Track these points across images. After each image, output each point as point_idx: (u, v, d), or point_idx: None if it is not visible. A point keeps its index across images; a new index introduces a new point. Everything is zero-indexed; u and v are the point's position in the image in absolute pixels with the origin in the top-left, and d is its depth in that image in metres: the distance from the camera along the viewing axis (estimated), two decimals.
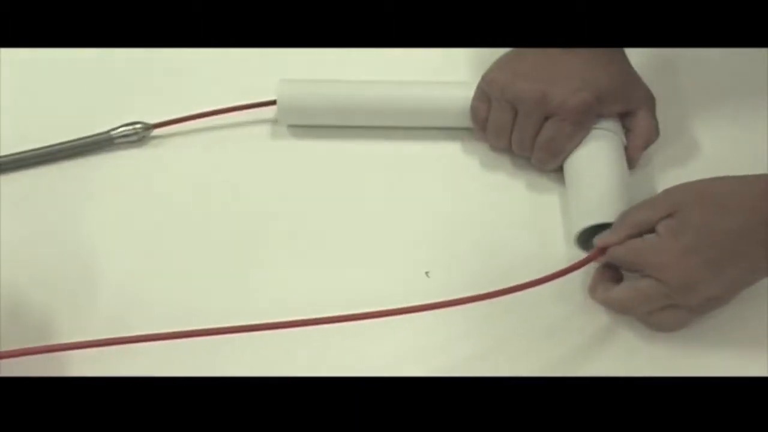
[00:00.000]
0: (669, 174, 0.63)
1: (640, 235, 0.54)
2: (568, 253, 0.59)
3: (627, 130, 0.62)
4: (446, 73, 0.68)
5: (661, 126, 0.62)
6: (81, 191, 0.64)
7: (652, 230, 0.54)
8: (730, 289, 0.53)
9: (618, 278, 0.57)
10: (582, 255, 0.58)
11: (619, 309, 0.56)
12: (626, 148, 0.61)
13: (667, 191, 0.55)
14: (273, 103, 0.66)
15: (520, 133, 0.61)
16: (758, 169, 0.62)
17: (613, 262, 0.56)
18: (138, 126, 0.66)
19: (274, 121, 0.67)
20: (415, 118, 0.66)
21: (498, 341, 0.57)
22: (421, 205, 0.63)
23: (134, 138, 0.66)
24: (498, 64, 0.62)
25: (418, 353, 0.56)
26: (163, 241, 0.62)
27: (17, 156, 0.65)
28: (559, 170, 0.62)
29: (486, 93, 0.61)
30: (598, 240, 0.56)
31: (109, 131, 0.66)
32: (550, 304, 0.58)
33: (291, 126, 0.67)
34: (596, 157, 0.60)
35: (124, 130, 0.66)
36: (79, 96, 0.70)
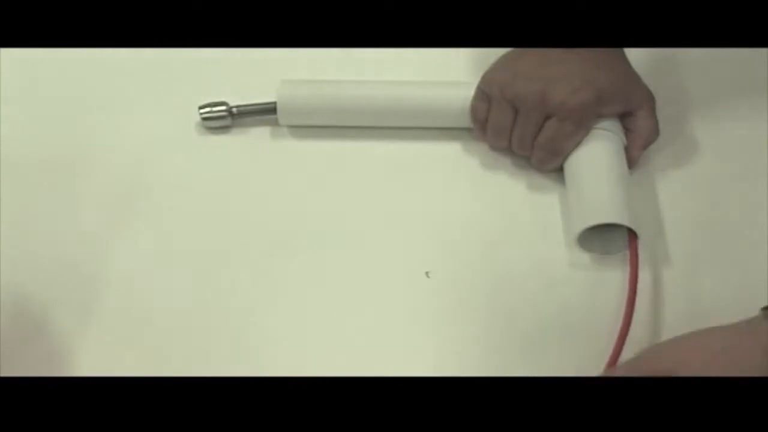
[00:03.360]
0: (669, 174, 0.63)
1: None
2: (569, 253, 0.60)
3: (627, 130, 0.62)
4: (446, 73, 0.68)
5: (661, 126, 0.62)
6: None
7: None
8: None
9: None
10: (582, 254, 0.58)
11: None
12: (626, 148, 0.61)
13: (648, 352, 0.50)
14: (273, 104, 0.66)
15: (520, 133, 0.61)
16: (758, 169, 0.63)
17: None
18: None
19: (275, 121, 0.67)
20: (415, 118, 0.66)
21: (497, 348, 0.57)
22: (421, 205, 0.63)
23: None
24: (498, 64, 0.62)
25: (417, 354, 0.56)
26: (161, 241, 0.61)
27: None
28: (559, 170, 0.62)
29: (486, 93, 0.61)
30: None
31: None
32: (550, 308, 0.58)
33: (291, 126, 0.67)
34: (596, 157, 0.60)
35: None
36: (78, 96, 0.70)
